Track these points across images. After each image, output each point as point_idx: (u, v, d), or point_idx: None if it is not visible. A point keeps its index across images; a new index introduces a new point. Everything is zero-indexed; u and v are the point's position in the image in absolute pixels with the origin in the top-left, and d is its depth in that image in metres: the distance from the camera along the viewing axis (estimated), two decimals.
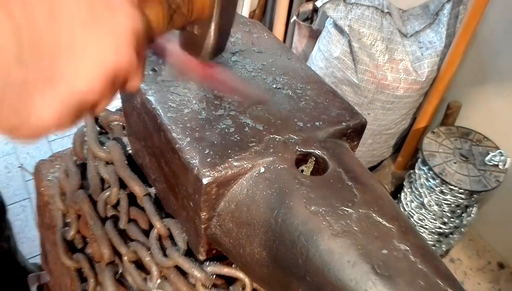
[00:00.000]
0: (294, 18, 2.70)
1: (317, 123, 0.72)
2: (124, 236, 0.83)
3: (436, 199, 2.12)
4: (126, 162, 0.86)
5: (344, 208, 0.59)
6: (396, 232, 0.57)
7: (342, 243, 0.56)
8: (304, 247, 0.58)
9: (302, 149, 0.68)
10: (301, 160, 0.69)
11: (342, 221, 0.58)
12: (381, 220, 0.58)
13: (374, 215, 0.59)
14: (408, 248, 0.55)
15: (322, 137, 0.70)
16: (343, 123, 0.73)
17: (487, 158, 2.08)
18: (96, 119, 0.94)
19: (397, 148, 2.61)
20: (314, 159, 0.69)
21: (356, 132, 0.74)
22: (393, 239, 0.56)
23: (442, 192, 2.08)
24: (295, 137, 0.69)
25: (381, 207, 0.60)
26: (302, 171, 0.70)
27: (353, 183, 0.63)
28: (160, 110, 0.70)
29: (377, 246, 0.55)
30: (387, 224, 0.58)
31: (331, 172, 0.65)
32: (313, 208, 0.59)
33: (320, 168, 0.68)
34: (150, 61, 0.79)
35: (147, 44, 0.51)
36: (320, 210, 0.59)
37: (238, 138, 0.68)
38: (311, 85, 0.80)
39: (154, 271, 0.78)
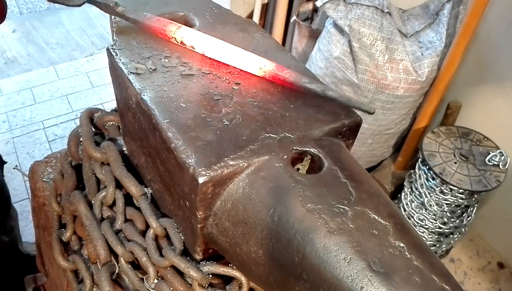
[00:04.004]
0: (294, 18, 2.70)
1: (312, 122, 0.71)
2: (121, 237, 0.83)
3: (436, 199, 2.12)
4: (122, 162, 0.85)
5: (340, 206, 0.59)
6: (392, 229, 0.57)
7: (338, 241, 0.55)
8: (300, 245, 0.58)
9: (297, 148, 0.67)
10: (297, 158, 0.68)
11: (338, 219, 0.57)
12: (376, 217, 0.58)
13: (369, 212, 0.58)
14: (404, 245, 0.55)
15: (317, 135, 0.70)
16: (339, 122, 0.72)
17: (487, 158, 2.08)
18: (91, 120, 0.94)
19: (397, 148, 2.61)
20: (310, 157, 0.69)
21: (351, 130, 0.74)
22: (388, 236, 0.56)
23: (442, 192, 2.08)
24: (291, 136, 0.69)
25: (377, 205, 0.60)
26: (298, 169, 0.70)
27: (348, 181, 0.62)
28: (155, 110, 0.70)
29: (373, 243, 0.55)
30: (383, 221, 0.57)
31: (327, 170, 0.64)
32: (309, 206, 0.59)
33: (315, 166, 0.68)
34: (148, 59, 0.79)
35: None
36: (316, 208, 0.59)
37: (234, 137, 0.67)
38: None
39: (151, 271, 0.78)
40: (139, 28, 0.86)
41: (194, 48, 0.82)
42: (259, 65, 0.77)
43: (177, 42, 0.83)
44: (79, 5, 0.85)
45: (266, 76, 0.77)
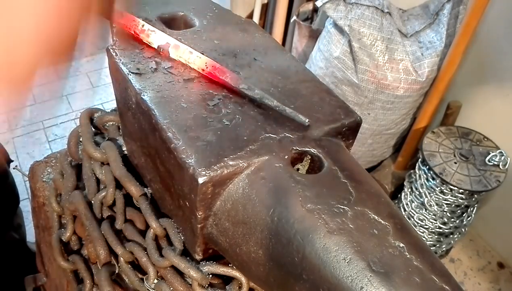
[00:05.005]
0: (294, 18, 2.70)
1: (312, 122, 0.71)
2: (121, 237, 0.83)
3: (436, 199, 2.12)
4: (122, 162, 0.85)
5: (340, 206, 0.59)
6: (392, 229, 0.57)
7: (338, 241, 0.56)
8: (300, 245, 0.58)
9: (297, 148, 0.67)
10: (297, 158, 0.68)
11: (338, 219, 0.57)
12: (376, 217, 0.58)
13: (369, 212, 0.58)
14: (404, 245, 0.55)
15: (317, 136, 0.70)
16: (338, 122, 0.72)
17: (487, 158, 2.08)
18: (91, 120, 0.94)
19: (397, 148, 2.61)
20: (310, 157, 0.69)
21: (351, 130, 0.74)
22: (388, 236, 0.56)
23: (442, 192, 2.08)
24: (291, 136, 0.69)
25: (377, 205, 0.60)
26: (298, 169, 0.70)
27: (348, 181, 0.62)
28: (155, 110, 0.70)
29: (373, 243, 0.55)
30: (383, 222, 0.57)
31: (327, 170, 0.64)
32: (308, 206, 0.59)
33: (315, 166, 0.68)
34: (148, 59, 0.79)
35: None
36: (316, 208, 0.59)
37: (234, 137, 0.67)
38: (306, 84, 0.79)
39: (151, 271, 0.78)
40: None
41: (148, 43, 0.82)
42: (201, 66, 0.77)
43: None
44: None
45: (208, 76, 0.77)
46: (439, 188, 2.08)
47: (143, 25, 0.80)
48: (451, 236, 2.25)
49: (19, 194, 1.87)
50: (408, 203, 2.28)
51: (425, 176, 2.15)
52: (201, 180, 0.62)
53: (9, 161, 1.83)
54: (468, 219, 2.17)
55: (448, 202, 2.09)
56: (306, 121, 0.70)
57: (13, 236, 1.78)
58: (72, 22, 0.47)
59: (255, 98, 0.72)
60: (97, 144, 0.89)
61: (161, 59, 0.80)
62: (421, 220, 2.23)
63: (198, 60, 0.77)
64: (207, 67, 0.76)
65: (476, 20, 1.94)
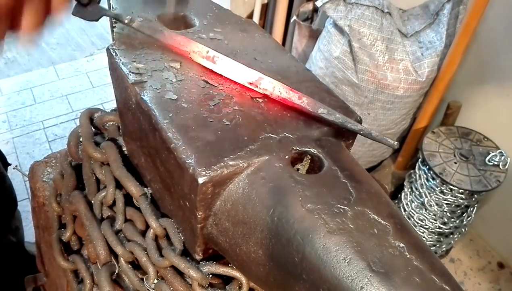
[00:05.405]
0: (294, 18, 2.70)
1: (312, 122, 0.71)
2: (120, 237, 0.83)
3: (436, 199, 2.12)
4: (122, 162, 0.85)
5: (340, 206, 0.59)
6: (392, 229, 0.57)
7: (338, 241, 0.55)
8: (300, 245, 0.58)
9: (297, 148, 0.68)
10: (297, 158, 0.68)
11: (338, 219, 0.57)
12: (376, 217, 0.58)
13: (369, 212, 0.58)
14: (404, 245, 0.55)
15: (317, 136, 0.70)
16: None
17: (487, 158, 2.07)
18: (91, 120, 0.94)
19: (397, 148, 2.60)
20: (310, 157, 0.69)
21: (351, 130, 0.74)
22: (388, 236, 0.56)
23: (442, 192, 2.08)
24: (291, 136, 0.69)
25: (377, 205, 0.60)
26: (298, 169, 0.70)
27: (348, 181, 0.62)
28: (155, 110, 0.70)
29: (373, 243, 0.55)
30: (383, 222, 0.57)
31: (327, 170, 0.64)
32: (308, 206, 0.59)
33: (315, 166, 0.68)
34: (148, 59, 0.79)
35: None
36: (316, 208, 0.59)
37: (234, 137, 0.67)
38: (306, 84, 0.79)
39: (151, 271, 0.78)
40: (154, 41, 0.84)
41: (213, 69, 0.80)
42: (276, 93, 0.74)
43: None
44: (96, 20, 0.84)
45: (282, 102, 0.75)
46: (439, 188, 2.08)
47: (207, 52, 0.79)
48: (451, 236, 2.25)
49: (16, 196, 1.88)
50: (408, 203, 2.28)
51: (425, 176, 2.15)
52: (201, 180, 0.62)
53: (7, 165, 1.83)
54: (468, 219, 2.17)
55: (448, 202, 2.09)
56: (395, 144, 0.70)
57: (11, 240, 1.79)
58: None
59: (336, 123, 0.71)
60: (97, 144, 0.89)
61: (162, 59, 0.80)
62: (421, 220, 2.23)
63: (270, 86, 0.75)
64: (281, 93, 0.74)
65: (476, 20, 1.94)
